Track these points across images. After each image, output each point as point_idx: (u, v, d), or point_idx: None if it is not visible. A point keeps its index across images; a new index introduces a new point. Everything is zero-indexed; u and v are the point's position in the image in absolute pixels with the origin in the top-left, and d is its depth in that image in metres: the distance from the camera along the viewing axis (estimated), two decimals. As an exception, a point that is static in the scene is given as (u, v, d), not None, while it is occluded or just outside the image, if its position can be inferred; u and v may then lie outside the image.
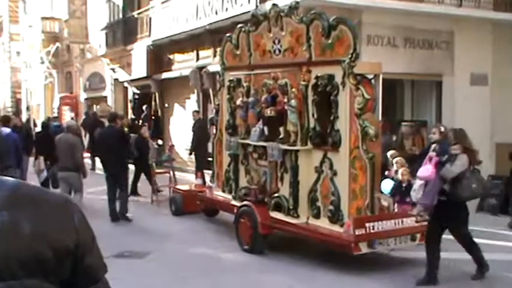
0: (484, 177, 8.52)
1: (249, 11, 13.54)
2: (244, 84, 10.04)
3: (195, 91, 18.55)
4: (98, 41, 26.40)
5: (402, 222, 7.74)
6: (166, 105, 21.44)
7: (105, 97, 26.99)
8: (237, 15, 14.65)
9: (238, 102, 10.04)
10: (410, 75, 14.52)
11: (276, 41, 9.25)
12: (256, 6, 13.90)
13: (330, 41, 8.12)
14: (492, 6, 15.14)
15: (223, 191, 10.82)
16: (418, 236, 7.99)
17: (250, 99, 9.72)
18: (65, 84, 33.94)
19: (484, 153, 14.39)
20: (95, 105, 28.35)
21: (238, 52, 10.38)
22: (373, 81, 8.14)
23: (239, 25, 10.45)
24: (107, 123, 14.53)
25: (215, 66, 15.30)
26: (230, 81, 10.54)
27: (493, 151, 14.95)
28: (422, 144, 14.81)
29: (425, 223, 7.55)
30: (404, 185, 9.78)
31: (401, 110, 15.39)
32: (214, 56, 16.79)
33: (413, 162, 8.81)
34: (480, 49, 15.04)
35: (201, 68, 17.59)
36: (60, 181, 11.21)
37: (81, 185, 11.04)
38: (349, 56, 7.80)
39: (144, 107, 21.58)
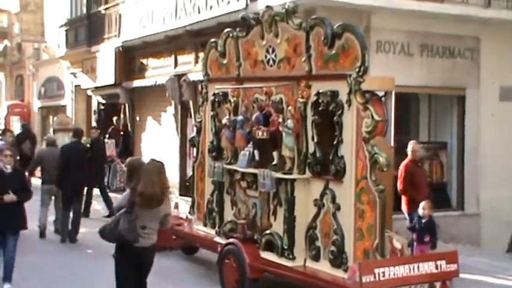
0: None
1: (237, 10, 13.74)
2: (232, 100, 10.14)
3: (173, 103, 18.64)
4: (56, 40, 26.50)
5: (419, 268, 7.76)
6: (137, 118, 21.52)
7: (64, 106, 27.05)
8: (223, 14, 14.80)
9: (224, 120, 10.14)
10: (427, 88, 14.66)
11: (270, 50, 9.37)
12: (247, 4, 14.06)
13: (333, 52, 8.25)
14: (526, 6, 15.34)
15: (205, 225, 10.88)
16: (438, 285, 8.04)
17: (239, 117, 9.81)
18: (14, 89, 33.98)
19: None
20: (51, 116, 28.41)
21: (224, 61, 10.49)
22: (384, 99, 8.26)
23: (226, 29, 10.57)
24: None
25: (196, 74, 15.45)
26: (215, 95, 10.64)
27: (525, 174, 15.09)
28: (441, 171, 15.00)
29: (448, 269, 7.67)
30: (424, 220, 9.97)
31: (416, 129, 15.52)
32: (196, 62, 16.92)
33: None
34: (511, 58, 15.23)
35: (179, 76, 17.70)
36: (45, 193, 13.79)
37: None
38: (356, 69, 7.91)
39: (114, 119, 21.68)
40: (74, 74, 25.76)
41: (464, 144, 14.99)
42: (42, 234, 13.62)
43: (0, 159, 9.43)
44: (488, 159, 14.78)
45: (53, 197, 13.89)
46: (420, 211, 10.03)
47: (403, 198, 11.42)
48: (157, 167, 7.13)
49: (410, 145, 11.78)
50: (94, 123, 23.84)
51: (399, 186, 11.26)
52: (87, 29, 23.63)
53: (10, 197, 9.17)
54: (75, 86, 25.91)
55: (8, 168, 9.44)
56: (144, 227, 7.00)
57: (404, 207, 11.41)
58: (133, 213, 6.93)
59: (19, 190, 9.35)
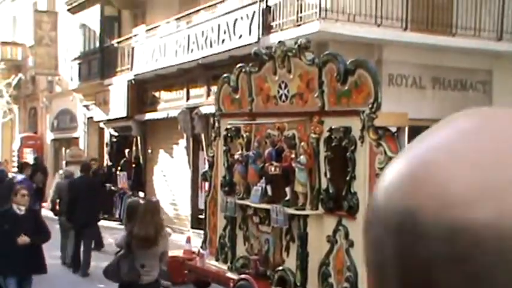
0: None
1: (249, 44, 13.82)
2: (244, 135, 10.16)
3: (185, 136, 18.71)
4: (70, 73, 26.71)
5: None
6: (149, 151, 21.58)
7: (77, 139, 27.19)
8: (235, 48, 14.90)
9: (237, 155, 10.15)
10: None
11: (283, 85, 9.40)
12: (259, 38, 14.14)
13: (346, 88, 8.27)
14: (538, 39, 15.38)
15: (217, 260, 10.84)
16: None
17: (251, 152, 9.83)
18: (28, 122, 34.19)
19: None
20: (64, 148, 28.55)
21: (237, 96, 10.54)
22: (397, 134, 8.26)
23: (239, 65, 10.63)
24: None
25: (208, 107, 15.51)
26: (227, 130, 10.66)
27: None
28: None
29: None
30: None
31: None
32: (208, 95, 17.01)
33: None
34: (524, 91, 15.23)
35: (192, 109, 17.78)
36: (64, 225, 14.25)
37: None
38: (369, 106, 7.93)
39: (126, 152, 21.76)
40: (86, 106, 25.93)
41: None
42: (64, 263, 14.16)
43: (16, 201, 9.16)
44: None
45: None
46: None
47: None
48: (152, 208, 7.55)
49: None
50: (106, 156, 23.95)
51: None
52: (100, 62, 23.84)
53: (23, 239, 8.78)
54: (88, 118, 26.06)
55: (22, 210, 9.12)
56: (143, 265, 7.32)
57: None
58: (131, 255, 7.28)
59: (34, 232, 9.00)
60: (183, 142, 19.17)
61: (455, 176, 0.60)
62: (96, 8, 24.16)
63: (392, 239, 0.62)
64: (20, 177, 15.84)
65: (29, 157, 29.45)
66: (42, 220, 9.84)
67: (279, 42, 9.65)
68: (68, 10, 26.01)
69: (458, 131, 0.64)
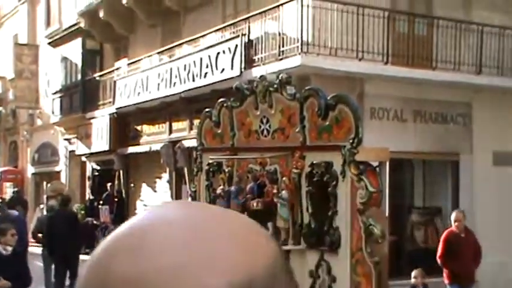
0: None
1: (231, 78, 13.91)
2: (226, 170, 10.15)
3: (167, 169, 18.69)
4: (51, 107, 26.68)
5: None
6: (132, 185, 21.52)
7: (58, 172, 27.07)
8: (218, 81, 14.97)
9: (219, 190, 10.12)
10: (421, 154, 14.78)
11: (264, 120, 9.43)
12: (241, 72, 14.24)
13: (327, 123, 8.30)
14: (516, 74, 15.60)
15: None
16: None
17: (233, 187, 9.81)
18: (8, 155, 34.01)
19: (509, 249, 14.55)
20: (45, 182, 28.39)
21: (219, 131, 10.54)
22: (378, 169, 8.30)
23: (220, 99, 10.67)
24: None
25: (191, 141, 15.52)
26: (209, 164, 10.64)
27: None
28: (437, 235, 14.97)
29: None
30: (419, 290, 9.92)
31: (411, 194, 15.59)
32: (190, 128, 17.04)
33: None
34: (503, 123, 15.41)
35: (174, 143, 17.79)
36: (47, 258, 14.14)
37: None
38: (350, 141, 7.96)
39: (108, 185, 21.69)
40: (68, 140, 25.87)
41: (459, 208, 15.00)
42: None
43: (4, 241, 8.76)
44: (483, 224, 14.76)
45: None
46: (412, 280, 9.99)
47: (444, 270, 11.07)
48: None
49: (454, 214, 11.47)
50: (88, 190, 23.84)
51: (438, 258, 10.97)
52: (82, 95, 23.84)
53: (3, 283, 8.45)
54: (70, 152, 25.99)
55: (8, 251, 8.77)
56: None
57: (445, 279, 11.07)
58: None
59: (16, 276, 8.63)
60: (165, 176, 19.15)
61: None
62: (78, 41, 24.21)
63: None
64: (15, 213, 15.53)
65: (9, 191, 29.27)
66: (26, 265, 9.59)
67: (261, 76, 9.69)
68: (49, 43, 26.05)
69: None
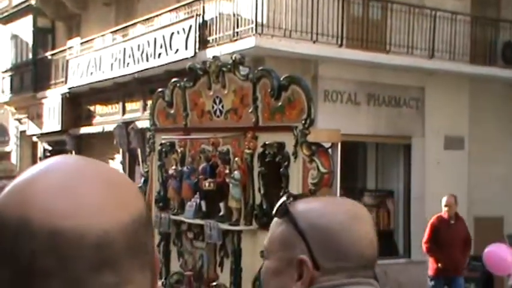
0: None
1: (185, 58, 13.87)
2: (179, 150, 10.14)
3: (121, 150, 18.58)
4: (0, 86, 26.24)
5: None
6: (84, 165, 21.32)
7: (9, 153, 26.68)
8: (172, 62, 14.91)
9: (171, 171, 10.11)
10: (374, 137, 14.94)
11: (217, 101, 9.43)
12: (195, 53, 14.20)
13: (280, 104, 8.33)
14: (469, 58, 15.84)
15: (151, 277, 10.79)
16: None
17: (185, 168, 9.81)
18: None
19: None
20: (-5, 163, 27.99)
21: (172, 111, 10.52)
22: (330, 150, 8.38)
23: (173, 80, 10.64)
24: None
25: (144, 122, 15.43)
26: (162, 145, 10.61)
27: (471, 226, 15.35)
28: (388, 218, 15.20)
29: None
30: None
31: (363, 177, 15.77)
32: (144, 109, 16.95)
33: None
34: (455, 107, 15.65)
35: (128, 123, 17.68)
36: None
37: None
38: (303, 122, 8.01)
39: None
40: (19, 120, 25.51)
41: (410, 192, 15.27)
42: None
43: None
44: (434, 206, 14.99)
45: None
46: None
47: (430, 260, 10.90)
48: None
49: (445, 198, 11.36)
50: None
51: (424, 244, 10.86)
52: (33, 74, 23.49)
53: None
54: (21, 132, 25.65)
55: None
56: None
57: (429, 271, 10.91)
58: None
59: None
60: (119, 157, 19.04)
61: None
62: (29, 18, 23.84)
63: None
64: None
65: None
66: None
67: (214, 57, 9.68)
68: (-2, 20, 25.63)
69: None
